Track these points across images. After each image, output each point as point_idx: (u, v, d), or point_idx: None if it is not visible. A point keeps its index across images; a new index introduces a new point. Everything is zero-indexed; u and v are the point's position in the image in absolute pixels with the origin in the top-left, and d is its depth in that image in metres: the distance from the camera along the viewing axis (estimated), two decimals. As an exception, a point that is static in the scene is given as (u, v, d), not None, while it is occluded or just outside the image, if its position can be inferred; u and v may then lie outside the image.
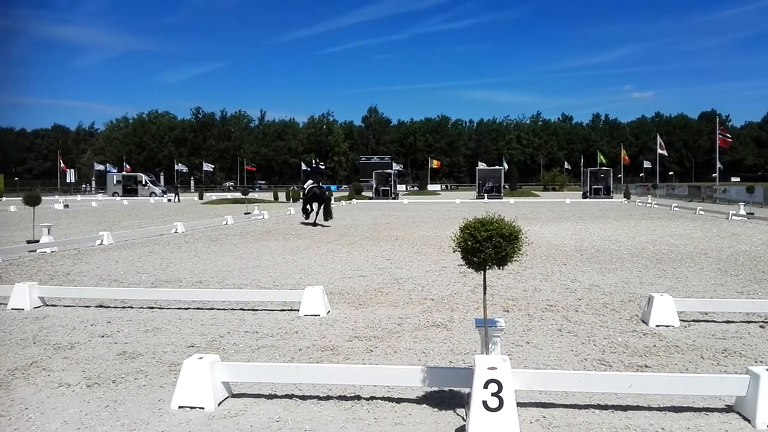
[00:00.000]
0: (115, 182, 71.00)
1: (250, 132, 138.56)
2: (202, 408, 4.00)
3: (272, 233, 17.85)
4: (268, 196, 55.28)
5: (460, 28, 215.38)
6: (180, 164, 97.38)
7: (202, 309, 7.24)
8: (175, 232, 17.95)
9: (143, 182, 69.31)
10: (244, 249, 13.65)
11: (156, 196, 62.79)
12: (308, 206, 21.05)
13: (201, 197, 57.07)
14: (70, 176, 53.03)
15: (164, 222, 22.47)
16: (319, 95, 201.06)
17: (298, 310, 6.90)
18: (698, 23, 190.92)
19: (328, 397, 4.28)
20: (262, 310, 7.18)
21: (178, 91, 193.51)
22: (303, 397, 4.27)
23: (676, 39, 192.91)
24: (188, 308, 7.28)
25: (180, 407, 4.02)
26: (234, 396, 4.28)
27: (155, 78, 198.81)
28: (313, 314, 6.79)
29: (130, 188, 68.83)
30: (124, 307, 7.40)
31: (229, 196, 54.51)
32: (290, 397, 4.29)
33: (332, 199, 23.05)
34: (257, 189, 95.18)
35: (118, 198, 60.50)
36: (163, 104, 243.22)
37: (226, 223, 21.51)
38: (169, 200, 53.04)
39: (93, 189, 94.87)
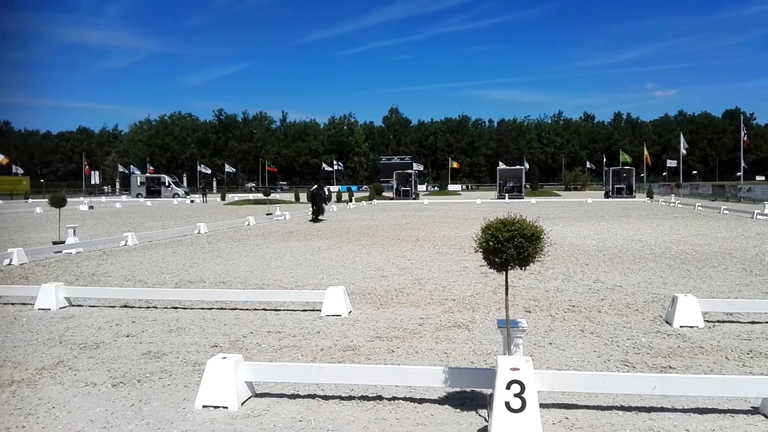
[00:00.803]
0: (138, 184, 72.04)
1: (271, 133, 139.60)
2: (226, 407, 4.05)
3: (294, 234, 17.97)
4: (290, 197, 55.63)
5: (480, 27, 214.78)
6: (202, 165, 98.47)
7: (225, 309, 7.32)
8: (198, 233, 18.17)
9: (166, 183, 70.16)
10: (266, 249, 13.77)
11: (179, 197, 63.53)
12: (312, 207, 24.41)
13: (223, 198, 57.62)
14: (95, 178, 53.84)
15: (187, 223, 22.76)
16: (340, 96, 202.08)
17: (320, 311, 6.95)
18: (721, 20, 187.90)
19: (350, 397, 4.31)
20: (284, 310, 7.24)
21: (200, 93, 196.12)
22: (325, 397, 4.31)
23: (699, 37, 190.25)
24: (211, 308, 7.37)
25: (204, 407, 4.07)
26: (257, 396, 4.33)
27: (178, 80, 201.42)
28: (334, 314, 6.83)
29: (153, 189, 69.76)
30: (148, 307, 7.52)
31: (251, 197, 55.01)
32: (313, 397, 4.32)
33: (325, 200, 26.21)
34: (279, 190, 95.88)
35: (141, 199, 61.41)
36: (185, 106, 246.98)
37: (248, 224, 21.71)
38: (192, 201, 53.70)
39: (117, 190, 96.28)
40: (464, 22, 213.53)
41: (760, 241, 14.33)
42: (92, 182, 53.55)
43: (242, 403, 4.15)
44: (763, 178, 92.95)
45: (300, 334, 6.10)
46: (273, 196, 44.89)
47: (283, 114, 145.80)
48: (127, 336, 6.14)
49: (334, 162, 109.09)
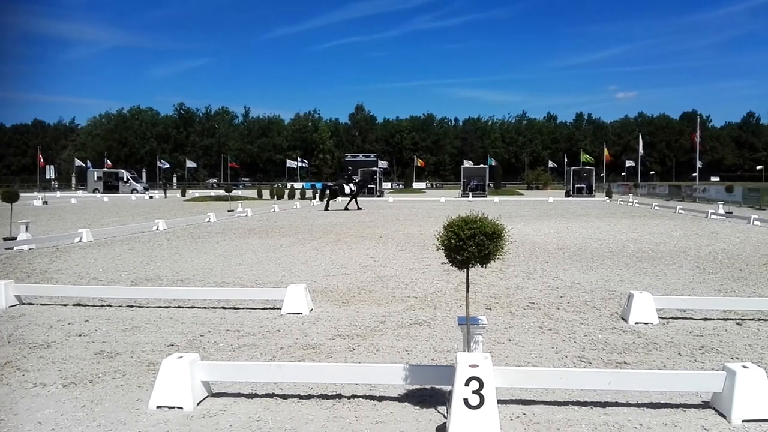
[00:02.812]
0: (95, 179, 70.11)
1: (234, 129, 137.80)
2: (181, 408, 3.96)
3: (255, 231, 17.75)
4: (252, 193, 54.94)
5: (448, 26, 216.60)
6: (162, 161, 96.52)
7: (183, 307, 7.17)
8: (157, 230, 17.79)
9: (125, 179, 68.51)
10: (227, 247, 13.56)
11: (138, 193, 62.12)
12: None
13: (184, 194, 56.55)
14: (50, 172, 52.27)
15: (145, 219, 22.26)
16: (306, 92, 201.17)
17: (280, 309, 6.86)
18: (681, 24, 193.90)
19: (309, 396, 4.26)
20: (243, 308, 7.13)
21: (161, 86, 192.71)
22: (284, 396, 4.25)
23: (661, 40, 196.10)
24: (168, 307, 7.21)
25: (158, 407, 3.98)
26: (214, 395, 4.25)
27: (139, 73, 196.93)
28: (295, 312, 6.76)
29: (111, 185, 68.01)
30: (102, 306, 7.31)
31: (213, 194, 54.12)
32: (271, 396, 4.26)
33: (338, 193, 30.20)
34: (241, 186, 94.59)
35: (98, 195, 59.83)
36: (146, 100, 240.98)
37: (209, 221, 21.35)
38: (151, 197, 52.62)
39: (73, 185, 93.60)
40: (433, 21, 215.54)
41: (714, 240, 14.80)
42: (47, 177, 51.99)
43: (198, 404, 4.06)
44: (717, 178, 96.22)
45: (259, 333, 6.01)
46: (235, 192, 44.26)
47: (245, 109, 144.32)
48: (80, 335, 5.95)
49: (299, 159, 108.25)
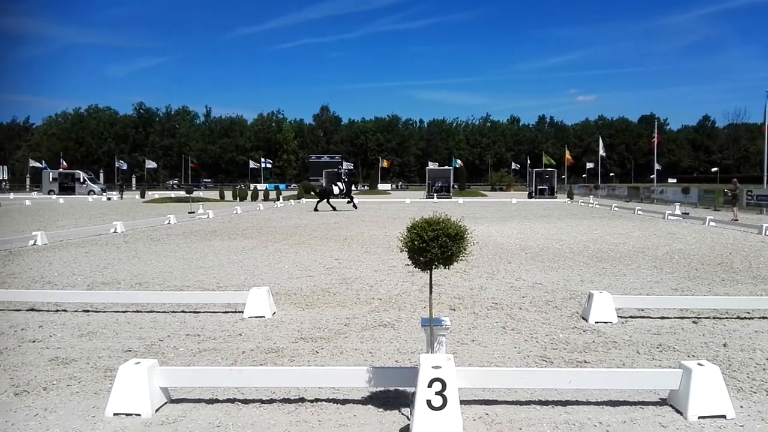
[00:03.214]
0: (51, 179, 67.94)
1: (195, 129, 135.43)
2: (139, 415, 3.86)
3: (217, 233, 17.48)
4: (214, 194, 54.13)
5: (413, 28, 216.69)
6: (120, 161, 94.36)
7: (141, 312, 7.00)
8: (114, 232, 17.33)
9: (81, 180, 66.61)
10: (187, 249, 13.31)
11: (95, 194, 60.53)
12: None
13: (143, 196, 55.35)
14: (2, 173, 50.50)
15: (103, 221, 21.67)
16: (269, 93, 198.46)
17: (242, 312, 6.76)
18: (639, 31, 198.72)
19: (271, 401, 4.20)
20: (204, 312, 7.00)
21: (120, 85, 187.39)
22: (245, 401, 4.18)
23: (619, 46, 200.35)
24: (126, 311, 7.02)
25: (115, 414, 3.87)
26: (173, 401, 4.15)
27: (98, 72, 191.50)
28: (258, 316, 6.66)
29: (67, 186, 65.97)
30: (57, 311, 7.08)
31: (173, 195, 53.05)
32: (232, 401, 4.19)
33: (329, 192, 30.36)
34: (202, 187, 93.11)
35: (54, 196, 58.02)
36: (104, 99, 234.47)
37: (169, 223, 20.94)
38: (109, 198, 51.36)
39: (28, 186, 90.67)
40: (398, 22, 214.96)
41: (671, 240, 15.20)
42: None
43: (156, 410, 3.97)
44: (674, 180, 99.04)
45: (221, 337, 5.91)
46: (196, 193, 43.54)
47: (207, 109, 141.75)
48: (33, 341, 5.75)
49: (262, 159, 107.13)
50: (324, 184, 32.20)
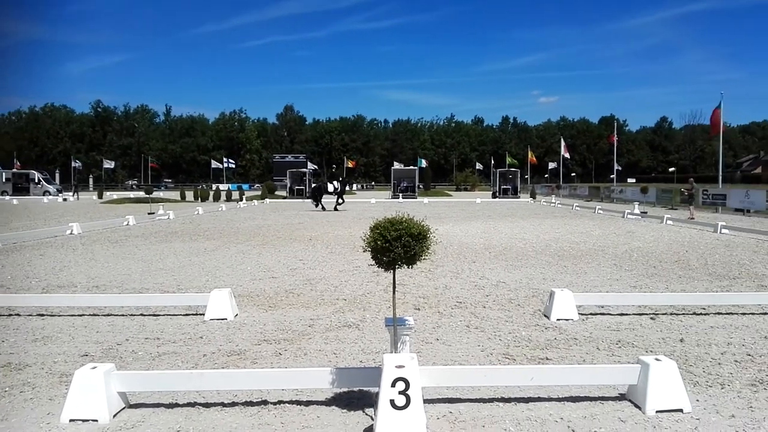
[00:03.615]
0: (4, 180, 65.62)
1: (155, 128, 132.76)
2: (96, 420, 3.76)
3: (178, 234, 17.16)
4: (175, 195, 53.14)
5: (379, 28, 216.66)
6: (77, 161, 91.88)
7: (99, 315, 6.81)
8: (71, 234, 16.83)
9: (36, 180, 64.54)
10: (147, 251, 13.02)
11: (50, 195, 58.74)
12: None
13: (100, 196, 53.95)
14: (-48, 173, 48.54)
15: (59, 223, 21.03)
16: (231, 91, 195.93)
17: (203, 315, 6.64)
18: (599, 34, 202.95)
19: (233, 404, 4.13)
20: (164, 315, 6.85)
21: (76, 83, 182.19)
22: (206, 405, 4.10)
23: (580, 48, 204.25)
24: (83, 315, 6.83)
25: (71, 420, 3.77)
26: (131, 407, 4.06)
27: (52, 70, 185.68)
28: (219, 318, 6.55)
29: (21, 186, 63.77)
30: (10, 315, 6.83)
31: (132, 195, 51.88)
32: (192, 405, 4.10)
33: (322, 193, 30.92)
34: (163, 188, 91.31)
35: (7, 197, 56.07)
36: (59, 97, 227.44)
37: (128, 224, 20.46)
38: (65, 199, 49.94)
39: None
40: (363, 22, 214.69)
41: (630, 238, 15.57)
42: (-51, 178, 48.30)
43: (114, 415, 3.88)
44: (633, 180, 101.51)
45: (181, 340, 5.79)
46: (156, 194, 42.68)
47: (167, 108, 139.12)
48: (-17, 348, 5.53)
49: (225, 159, 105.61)
50: (314, 183, 33.51)
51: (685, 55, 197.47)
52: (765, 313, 6.86)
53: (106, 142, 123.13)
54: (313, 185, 32.62)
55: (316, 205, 30.40)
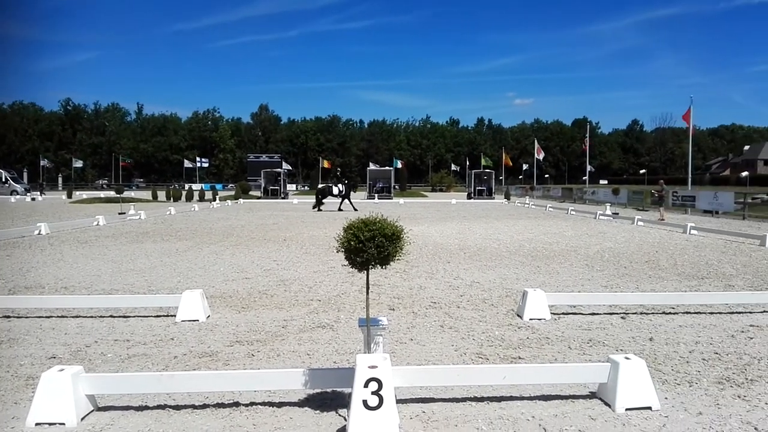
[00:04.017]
0: (-31, 179, 64.03)
1: (126, 126, 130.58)
2: (63, 424, 3.69)
3: (149, 234, 16.90)
4: (147, 195, 52.35)
5: (355, 28, 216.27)
6: (45, 160, 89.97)
7: (67, 317, 6.67)
8: (39, 234, 16.47)
9: (3, 179, 63.05)
10: (117, 252, 12.80)
11: (18, 194, 57.40)
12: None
13: (70, 196, 52.84)
14: None
15: (26, 223, 20.54)
16: (205, 90, 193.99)
17: (174, 316, 6.54)
18: (573, 37, 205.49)
19: (204, 406, 4.08)
20: (134, 316, 6.74)
21: (45, 81, 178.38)
22: (177, 407, 4.04)
23: (555, 51, 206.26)
24: (51, 317, 6.68)
25: (37, 424, 3.69)
26: (100, 409, 3.99)
27: (20, 67, 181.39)
28: (191, 319, 6.47)
29: (-12, 186, 62.37)
30: (-27, 318, 6.65)
31: (102, 195, 50.94)
32: (163, 407, 4.04)
33: (325, 194, 31.37)
34: (134, 187, 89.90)
35: (-27, 197, 54.67)
36: (29, 95, 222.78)
37: (98, 224, 20.09)
38: (33, 199, 48.86)
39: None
40: (339, 22, 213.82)
41: (602, 239, 15.80)
42: None
43: (82, 419, 3.81)
44: (606, 182, 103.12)
45: (151, 342, 5.70)
46: (127, 193, 42.00)
47: (138, 106, 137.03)
48: (-55, 351, 5.38)
49: (197, 158, 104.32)
50: (322, 186, 32.92)
51: (655, 59, 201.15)
52: (732, 313, 7.02)
53: (75, 141, 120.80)
54: (319, 186, 32.76)
55: (314, 207, 30.46)
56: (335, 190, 31.07)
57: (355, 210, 29.61)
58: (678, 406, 4.08)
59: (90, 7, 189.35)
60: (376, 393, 3.53)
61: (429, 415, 3.91)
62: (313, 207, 30.58)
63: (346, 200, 31.23)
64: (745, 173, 42.91)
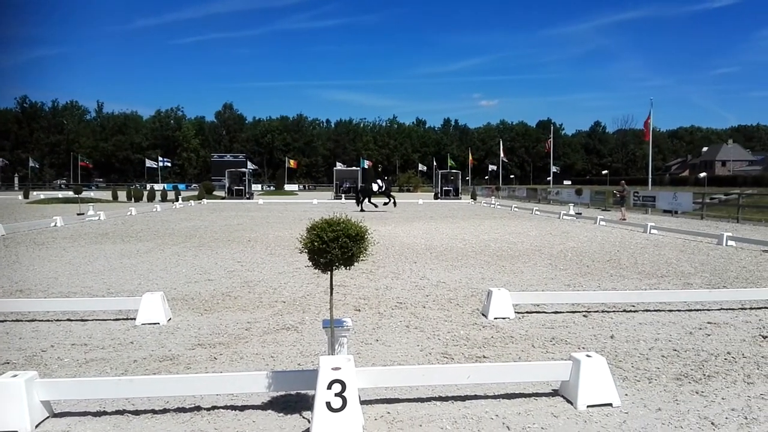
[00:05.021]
0: None
1: (85, 125, 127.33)
2: (16, 431, 3.55)
3: (109, 236, 16.50)
4: (107, 195, 51.16)
5: (321, 27, 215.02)
6: (1, 159, 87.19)
7: (22, 321, 6.46)
8: (-6, 236, 15.95)
9: (-44, 179, 60.91)
10: (75, 253, 12.45)
11: (-28, 194, 55.50)
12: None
13: (26, 196, 51.34)
14: None
15: (-19, 224, 19.87)
16: (167, 88, 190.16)
17: (134, 319, 6.39)
18: (537, 39, 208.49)
19: (164, 410, 3.99)
20: (93, 320, 6.56)
21: (1, 77, 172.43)
22: (136, 412, 3.95)
23: (519, 53, 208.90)
24: (4, 321, 6.45)
25: (-12, 433, 3.55)
26: (56, 416, 3.87)
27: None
28: (151, 323, 6.33)
29: (-61, 186, 60.11)
30: None
31: (60, 195, 49.58)
32: (122, 413, 3.94)
33: (366, 192, 31.36)
34: (94, 187, 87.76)
35: (-77, 197, 52.62)
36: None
37: (55, 225, 19.51)
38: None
39: None
40: (305, 21, 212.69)
41: (565, 239, 16.06)
42: None
43: (37, 425, 3.70)
44: (569, 182, 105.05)
45: (110, 346, 5.55)
46: (87, 194, 40.99)
47: (98, 104, 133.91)
48: None
49: (160, 158, 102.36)
50: (361, 184, 33.78)
51: (617, 62, 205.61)
52: (690, 310, 7.20)
53: (33, 140, 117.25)
54: (360, 185, 33.19)
55: (358, 205, 30.70)
56: (375, 188, 31.34)
57: (395, 206, 31.35)
58: (638, 403, 4.16)
59: (47, 1, 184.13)
60: (339, 395, 3.50)
61: (394, 416, 3.90)
62: (357, 205, 30.83)
63: (386, 198, 31.78)
64: (703, 174, 44.33)
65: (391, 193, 32.20)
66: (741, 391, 4.40)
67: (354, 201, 31.62)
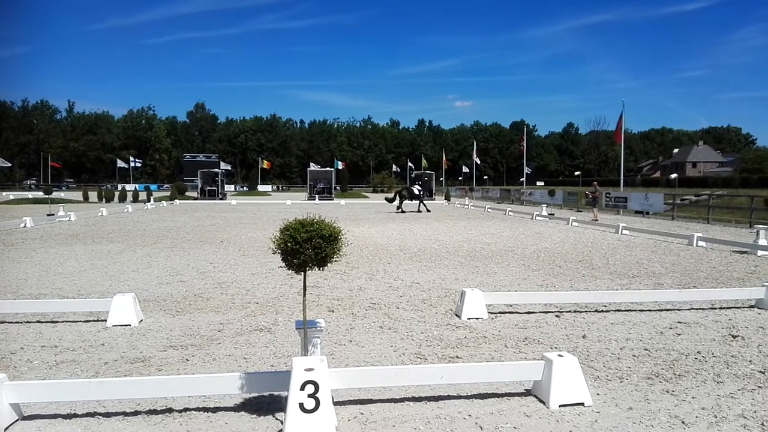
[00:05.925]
0: None
1: (56, 125, 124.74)
2: (-17, 435, 3.50)
3: (79, 236, 16.20)
4: (78, 195, 50.18)
5: (295, 28, 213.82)
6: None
7: (-12, 324, 6.32)
8: (-41, 237, 15.53)
9: None
10: (45, 254, 12.21)
11: (-64, 194, 53.94)
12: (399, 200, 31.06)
13: (-5, 196, 50.14)
14: None
15: (-56, 224, 19.34)
16: (139, 88, 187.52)
17: (105, 321, 6.30)
18: (510, 41, 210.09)
19: (136, 413, 3.95)
20: (63, 322, 6.45)
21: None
22: (107, 415, 3.90)
23: (492, 54, 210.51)
24: (-31, 324, 6.31)
25: (-46, 438, 3.48)
26: (25, 419, 3.83)
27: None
28: (122, 324, 6.25)
29: None
30: None
31: (30, 196, 48.55)
32: (92, 415, 3.90)
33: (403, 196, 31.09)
34: (64, 188, 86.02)
35: None
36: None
37: (25, 226, 19.10)
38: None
39: None
40: (278, 21, 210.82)
41: (538, 239, 16.25)
42: None
43: (6, 428, 3.65)
44: (542, 183, 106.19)
45: (81, 348, 5.47)
46: (57, 194, 40.17)
47: (69, 104, 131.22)
48: None
49: (131, 158, 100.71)
50: (400, 187, 34.93)
51: (590, 64, 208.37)
52: (661, 310, 7.35)
53: (2, 140, 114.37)
54: (401, 189, 33.18)
55: (397, 208, 30.97)
56: (415, 191, 31.70)
57: (428, 211, 30.98)
58: (609, 402, 4.23)
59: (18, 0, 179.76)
60: (312, 396, 3.51)
61: (367, 417, 3.92)
62: (396, 208, 30.97)
63: (422, 200, 31.98)
64: (674, 175, 44.97)
65: (423, 200, 32.44)
66: (711, 390, 4.50)
67: (393, 204, 31.89)
